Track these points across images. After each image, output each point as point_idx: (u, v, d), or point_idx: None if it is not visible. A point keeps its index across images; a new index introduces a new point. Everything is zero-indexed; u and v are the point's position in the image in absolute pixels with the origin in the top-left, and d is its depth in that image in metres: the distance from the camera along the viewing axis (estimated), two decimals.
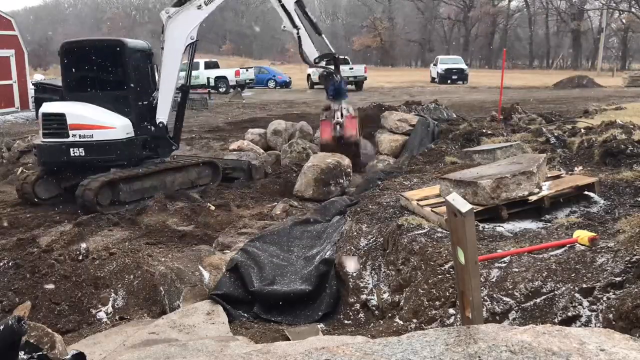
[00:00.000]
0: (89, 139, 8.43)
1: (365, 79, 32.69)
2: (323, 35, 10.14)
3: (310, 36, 9.77)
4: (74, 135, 8.41)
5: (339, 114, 9.78)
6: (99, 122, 8.52)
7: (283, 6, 9.40)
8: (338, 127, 9.77)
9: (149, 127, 9.17)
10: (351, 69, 31.93)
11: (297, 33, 9.48)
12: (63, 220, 7.67)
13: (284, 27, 9.60)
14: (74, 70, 8.93)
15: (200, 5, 8.85)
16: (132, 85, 8.91)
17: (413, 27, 72.60)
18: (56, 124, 8.46)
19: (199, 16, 8.91)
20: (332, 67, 10.00)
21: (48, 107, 8.74)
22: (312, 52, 9.69)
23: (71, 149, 8.38)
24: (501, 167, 5.40)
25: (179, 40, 8.87)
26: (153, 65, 9.39)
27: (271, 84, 37.14)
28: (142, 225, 6.94)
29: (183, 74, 9.62)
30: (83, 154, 8.41)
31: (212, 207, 8.03)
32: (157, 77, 9.44)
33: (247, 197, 8.84)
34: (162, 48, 8.96)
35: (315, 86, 34.92)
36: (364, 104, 15.60)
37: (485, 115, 14.47)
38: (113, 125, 8.58)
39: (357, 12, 76.32)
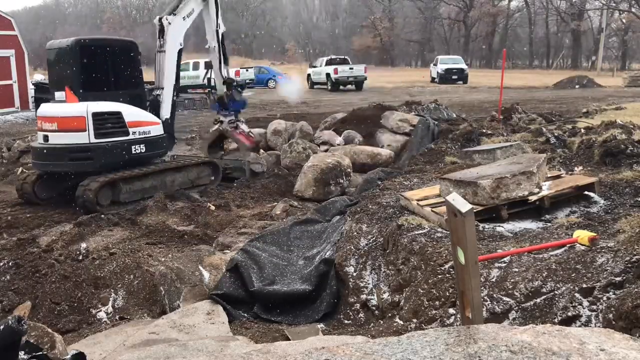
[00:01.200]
0: (147, 135, 8.84)
1: (365, 79, 32.68)
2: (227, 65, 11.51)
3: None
4: (134, 133, 8.65)
5: (243, 126, 11.15)
6: (151, 119, 9.02)
7: (217, 30, 10.59)
8: (250, 134, 11.22)
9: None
10: (351, 69, 31.92)
11: (222, 54, 10.79)
12: (63, 220, 7.66)
13: (210, 46, 10.79)
14: (90, 69, 8.82)
15: (184, 17, 9.89)
16: (142, 83, 9.33)
17: (413, 27, 72.60)
18: (110, 123, 8.44)
19: (184, 26, 9.95)
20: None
21: (96, 107, 8.32)
22: (225, 73, 11.00)
23: (133, 147, 8.63)
24: (501, 167, 5.40)
25: (175, 45, 9.74)
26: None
27: (271, 84, 37.12)
28: (142, 225, 6.93)
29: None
30: (144, 150, 8.76)
31: (212, 207, 8.03)
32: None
33: (247, 197, 8.84)
34: (164, 51, 9.56)
35: (315, 86, 34.98)
36: (364, 104, 15.61)
37: (485, 115, 14.48)
38: (158, 121, 9.19)
39: (357, 12, 76.31)
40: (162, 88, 9.57)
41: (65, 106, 8.32)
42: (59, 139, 8.24)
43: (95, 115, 8.22)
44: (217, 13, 10.58)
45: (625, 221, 4.19)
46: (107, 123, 8.37)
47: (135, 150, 8.65)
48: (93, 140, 8.18)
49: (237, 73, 30.61)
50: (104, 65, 8.87)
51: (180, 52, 9.93)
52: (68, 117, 8.18)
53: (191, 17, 10.02)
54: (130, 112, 8.70)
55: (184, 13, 9.86)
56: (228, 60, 11.26)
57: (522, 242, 4.28)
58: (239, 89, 11.22)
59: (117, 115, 8.46)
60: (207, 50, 11.02)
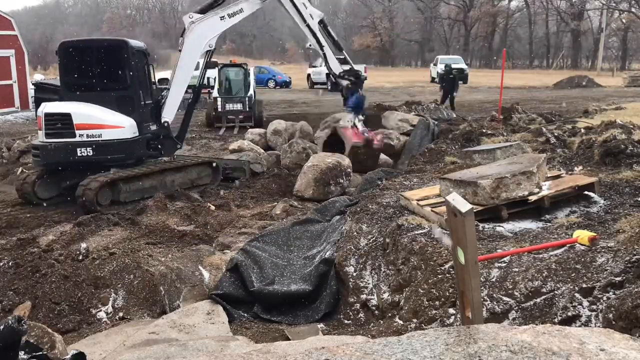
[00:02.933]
0: (97, 139, 8.45)
1: (365, 78, 32.53)
2: (344, 52, 10.77)
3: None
4: (81, 135, 8.39)
5: (359, 124, 10.27)
6: (110, 122, 8.60)
7: (309, 26, 9.96)
8: (365, 133, 10.26)
9: (151, 126, 9.23)
10: None
11: (322, 50, 10.15)
12: (63, 220, 7.66)
13: (310, 45, 10.23)
14: (75, 69, 8.86)
15: (223, 17, 9.30)
16: (134, 85, 8.95)
17: (413, 27, 72.56)
18: (60, 123, 8.40)
19: (220, 26, 9.37)
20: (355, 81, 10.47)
21: (51, 107, 8.58)
22: (336, 67, 10.32)
23: (78, 149, 8.37)
24: (501, 167, 5.40)
25: (198, 45, 9.22)
26: (149, 65, 9.41)
27: (271, 83, 37.12)
28: (142, 225, 6.93)
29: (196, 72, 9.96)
30: (91, 153, 8.41)
31: (212, 207, 8.03)
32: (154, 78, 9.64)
33: (247, 197, 8.84)
34: (180, 50, 9.25)
35: (315, 86, 34.96)
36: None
37: (485, 115, 14.48)
38: (122, 124, 8.67)
39: (357, 12, 76.26)
40: (169, 89, 9.37)
41: (41, 106, 8.71)
42: (38, 136, 8.82)
43: (47, 115, 8.42)
44: (297, 7, 9.82)
45: (625, 221, 4.19)
46: (57, 124, 8.39)
47: (80, 153, 8.36)
48: (44, 139, 8.44)
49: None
50: (88, 67, 8.84)
51: (209, 54, 9.47)
52: (38, 117, 8.68)
53: (235, 18, 9.39)
54: (83, 114, 8.44)
55: (226, 12, 9.31)
56: (342, 48, 10.50)
57: (522, 242, 4.28)
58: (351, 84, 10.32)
59: (67, 116, 8.38)
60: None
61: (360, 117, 10.38)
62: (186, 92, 9.74)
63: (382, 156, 10.39)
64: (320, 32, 10.13)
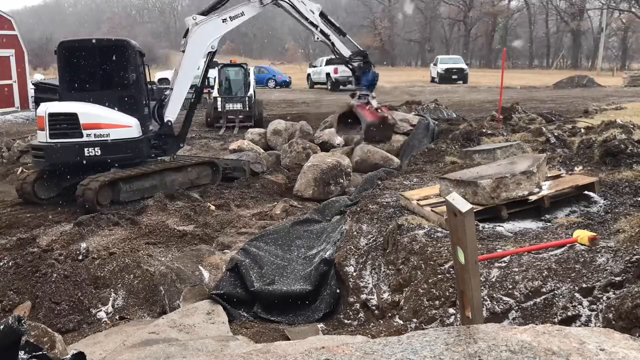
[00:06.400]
0: (106, 138, 8.47)
1: None
2: (348, 36, 11.22)
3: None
4: (88, 135, 8.40)
5: (373, 102, 11.02)
6: (118, 121, 8.64)
7: (311, 22, 10.39)
8: (379, 110, 11.03)
9: (153, 125, 9.29)
10: None
11: (329, 40, 10.60)
12: (63, 220, 7.67)
13: (317, 38, 10.63)
14: (74, 69, 8.84)
15: (225, 19, 9.53)
16: (136, 84, 9.00)
17: (413, 26, 72.56)
18: (66, 123, 8.38)
19: (222, 29, 9.59)
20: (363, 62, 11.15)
21: (55, 107, 8.52)
22: (345, 51, 10.90)
23: (86, 149, 8.37)
24: (501, 167, 5.40)
25: (201, 47, 9.42)
26: (145, 65, 9.45)
27: (271, 83, 37.13)
28: (142, 225, 6.93)
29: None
30: (99, 153, 8.42)
31: (212, 207, 8.03)
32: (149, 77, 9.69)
33: (247, 197, 8.84)
34: (183, 51, 9.44)
35: (315, 86, 34.95)
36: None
37: (485, 115, 14.47)
38: (129, 124, 8.73)
39: (357, 12, 76.27)
40: (172, 89, 9.46)
41: (42, 106, 8.67)
42: (38, 137, 8.77)
43: (51, 116, 8.39)
44: (296, 7, 10.17)
45: (625, 221, 4.19)
46: (63, 124, 8.38)
47: (88, 153, 8.36)
48: (48, 140, 8.39)
49: None
50: (88, 66, 8.84)
51: (210, 55, 9.67)
52: (39, 117, 8.62)
53: (237, 20, 9.63)
54: (89, 114, 8.45)
55: (228, 14, 9.53)
56: (345, 33, 10.97)
57: (522, 242, 4.28)
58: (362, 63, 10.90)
59: (73, 116, 8.37)
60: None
61: (373, 94, 11.02)
62: (188, 92, 9.81)
63: (388, 154, 10.51)
64: (323, 23, 10.53)
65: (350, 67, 11.04)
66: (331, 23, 10.79)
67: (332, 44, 10.60)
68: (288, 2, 10.12)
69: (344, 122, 11.61)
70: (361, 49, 11.50)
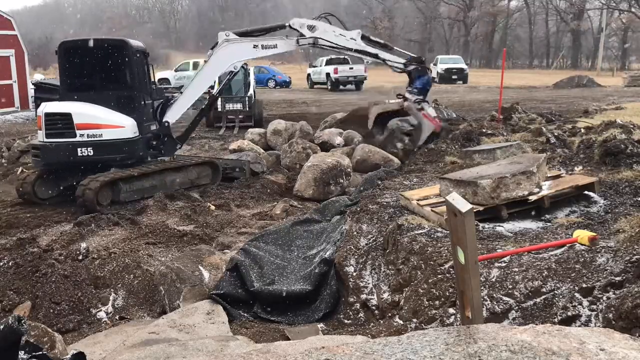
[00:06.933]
0: (98, 139, 8.44)
1: (365, 78, 32.65)
2: (395, 48, 11.33)
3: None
4: (81, 135, 8.38)
5: (430, 109, 10.78)
6: (112, 122, 8.61)
7: (356, 50, 10.32)
8: (436, 119, 10.80)
9: (151, 126, 9.26)
10: (351, 68, 31.88)
11: (379, 59, 10.55)
12: (63, 220, 7.66)
13: (368, 62, 10.84)
14: (74, 69, 8.86)
15: (257, 46, 9.58)
16: (134, 84, 8.96)
17: (413, 27, 72.54)
18: (61, 123, 8.39)
19: (250, 53, 9.67)
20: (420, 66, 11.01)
21: (51, 107, 8.56)
22: (398, 63, 10.80)
23: (79, 149, 8.36)
24: (501, 167, 5.40)
25: (224, 64, 9.53)
26: (149, 65, 9.43)
27: (271, 83, 37.13)
28: (142, 225, 6.93)
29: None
30: (92, 153, 8.39)
31: (212, 207, 8.03)
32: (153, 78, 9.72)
33: (247, 197, 8.83)
34: (206, 61, 9.66)
35: (315, 86, 34.96)
36: (364, 104, 15.59)
37: (485, 115, 14.47)
38: (122, 124, 8.68)
39: (357, 12, 76.26)
40: (182, 92, 9.53)
41: (42, 106, 8.71)
42: (38, 136, 8.82)
43: (47, 115, 8.42)
44: (336, 45, 10.08)
45: (625, 221, 4.20)
46: (58, 123, 8.39)
47: (81, 153, 8.33)
48: (45, 139, 8.42)
49: None
50: (89, 66, 8.85)
51: (231, 75, 9.86)
52: (38, 117, 8.67)
53: (268, 51, 9.68)
54: (83, 114, 8.43)
55: (261, 42, 9.58)
56: (390, 46, 11.00)
57: (522, 242, 4.28)
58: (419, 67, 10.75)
59: (67, 116, 8.37)
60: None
61: (427, 101, 10.80)
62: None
63: (388, 155, 10.49)
64: (368, 46, 10.37)
65: (407, 71, 10.88)
66: (376, 42, 10.71)
67: (384, 60, 10.49)
68: (327, 40, 10.00)
69: (379, 121, 11.28)
70: (414, 55, 11.42)
